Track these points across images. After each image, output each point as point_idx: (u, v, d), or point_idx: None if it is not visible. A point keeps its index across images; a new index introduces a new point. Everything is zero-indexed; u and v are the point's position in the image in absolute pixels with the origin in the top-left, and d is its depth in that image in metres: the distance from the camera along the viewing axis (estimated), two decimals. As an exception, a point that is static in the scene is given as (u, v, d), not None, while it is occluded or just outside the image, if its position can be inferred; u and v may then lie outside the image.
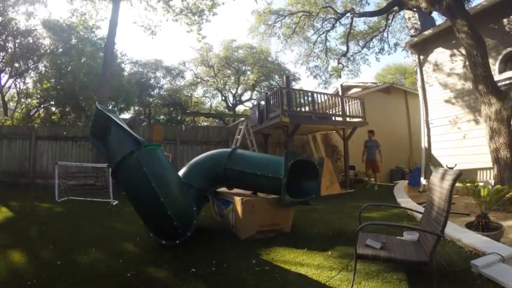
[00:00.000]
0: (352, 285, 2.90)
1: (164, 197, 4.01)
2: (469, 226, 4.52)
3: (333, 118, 10.91)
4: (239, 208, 4.62)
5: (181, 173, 4.99)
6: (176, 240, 4.16)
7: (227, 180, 5.13)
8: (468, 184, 4.73)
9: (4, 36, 14.28)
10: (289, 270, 3.44)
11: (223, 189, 5.49)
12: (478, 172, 8.16)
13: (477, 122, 8.48)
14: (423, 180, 10.07)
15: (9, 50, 14.95)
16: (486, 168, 7.82)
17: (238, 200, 4.68)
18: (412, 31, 11.33)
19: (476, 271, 3.06)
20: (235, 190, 5.38)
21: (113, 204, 7.25)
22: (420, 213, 3.89)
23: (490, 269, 3.02)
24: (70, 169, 8.55)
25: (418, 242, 3.27)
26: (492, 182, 6.75)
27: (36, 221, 5.72)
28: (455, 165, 7.02)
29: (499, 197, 4.53)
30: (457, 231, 4.21)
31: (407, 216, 5.95)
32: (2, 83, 15.46)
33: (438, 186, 2.99)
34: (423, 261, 2.69)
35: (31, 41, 15.11)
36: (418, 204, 6.56)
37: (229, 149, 5.32)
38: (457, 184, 2.75)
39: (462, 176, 2.76)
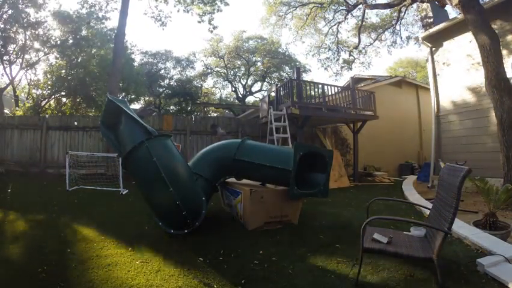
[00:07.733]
0: (358, 278, 2.93)
1: (174, 186, 4.07)
2: (477, 224, 4.49)
3: (343, 111, 10.87)
4: (247, 199, 4.66)
5: (190, 163, 5.04)
6: (185, 230, 4.22)
7: (236, 171, 5.16)
8: (477, 182, 4.68)
9: (15, 28, 14.38)
10: (296, 261, 3.48)
11: (232, 179, 5.51)
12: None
13: (488, 118, 8.33)
14: (432, 176, 9.97)
15: (20, 42, 15.08)
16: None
17: (246, 191, 4.72)
18: (425, 21, 11.14)
19: (482, 270, 3.06)
20: (244, 181, 5.40)
21: (123, 193, 7.36)
22: (428, 209, 3.88)
23: (495, 269, 3.02)
24: (80, 159, 8.67)
25: (425, 238, 3.28)
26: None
27: (47, 209, 5.83)
28: (465, 161, 6.96)
29: (508, 196, 4.48)
30: (464, 229, 4.19)
31: (415, 211, 5.94)
32: (13, 75, 15.68)
33: (447, 182, 2.98)
34: (429, 257, 2.71)
35: (41, 32, 15.21)
36: (426, 200, 6.52)
37: (239, 140, 5.35)
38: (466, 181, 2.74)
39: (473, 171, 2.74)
